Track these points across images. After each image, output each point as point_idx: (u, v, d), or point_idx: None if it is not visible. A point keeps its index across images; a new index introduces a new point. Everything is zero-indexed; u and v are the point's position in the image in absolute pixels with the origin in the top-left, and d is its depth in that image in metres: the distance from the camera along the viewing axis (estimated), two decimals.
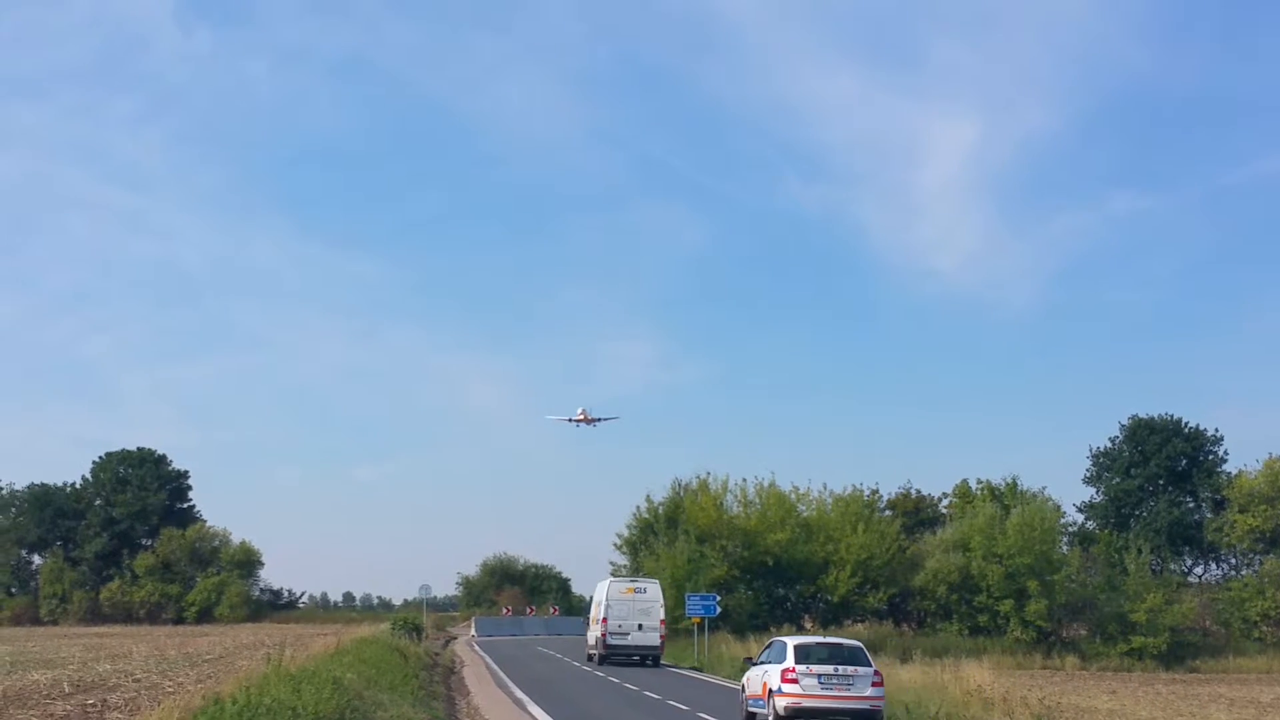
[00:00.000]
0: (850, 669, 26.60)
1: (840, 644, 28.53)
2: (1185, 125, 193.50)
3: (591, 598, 59.08)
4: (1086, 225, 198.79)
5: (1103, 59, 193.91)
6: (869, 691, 26.53)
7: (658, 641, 49.46)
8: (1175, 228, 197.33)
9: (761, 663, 28.88)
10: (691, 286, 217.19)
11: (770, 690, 26.90)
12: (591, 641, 52.91)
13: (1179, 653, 62.86)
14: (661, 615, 50.78)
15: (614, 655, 49.80)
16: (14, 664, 40.04)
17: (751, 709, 28.38)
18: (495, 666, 49.44)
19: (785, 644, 28.09)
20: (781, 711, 26.37)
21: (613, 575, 61.43)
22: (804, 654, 27.03)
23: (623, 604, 50.58)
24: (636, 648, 50.10)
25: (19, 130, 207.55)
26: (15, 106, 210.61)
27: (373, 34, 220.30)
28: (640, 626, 50.05)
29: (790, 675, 26.41)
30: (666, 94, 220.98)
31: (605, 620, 50.22)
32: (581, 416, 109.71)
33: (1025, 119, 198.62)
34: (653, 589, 51.98)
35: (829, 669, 26.53)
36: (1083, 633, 64.83)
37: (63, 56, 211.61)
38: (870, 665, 27.28)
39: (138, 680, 32.93)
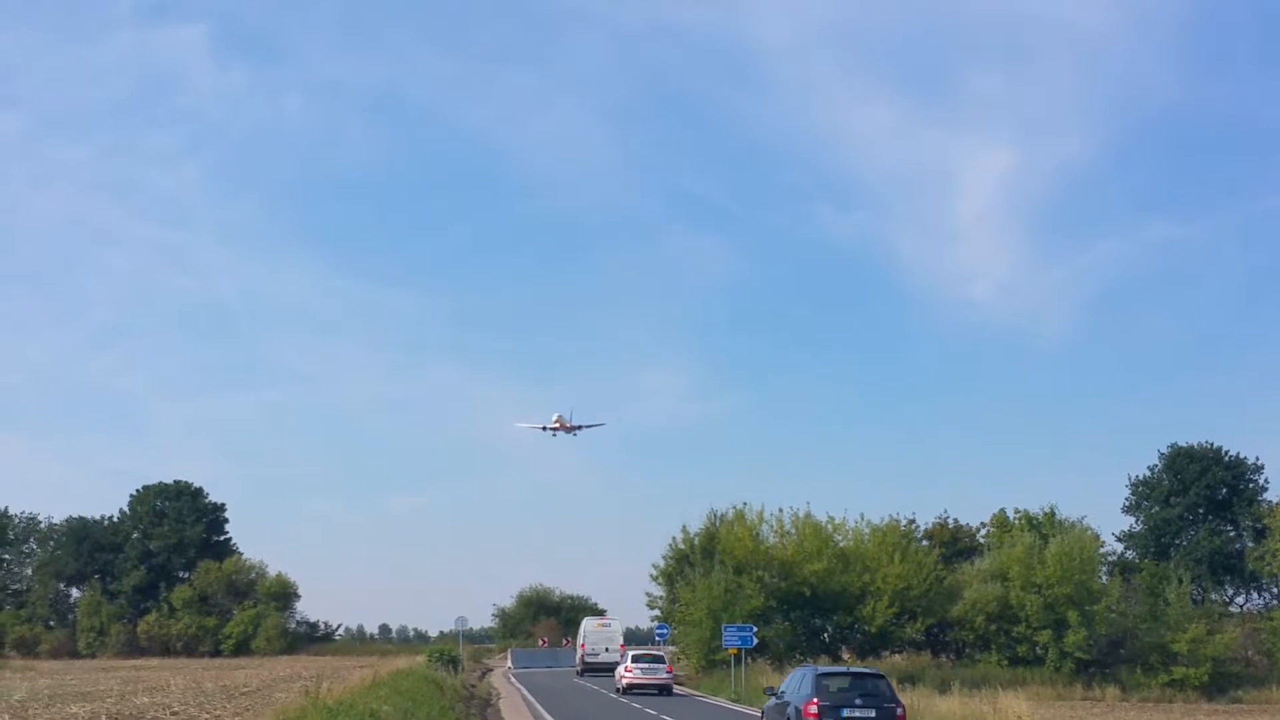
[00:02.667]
0: (872, 710, 25.72)
1: (864, 674, 28.08)
2: (1220, 152, 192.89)
3: (580, 629, 76.43)
4: (1122, 253, 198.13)
5: (1137, 86, 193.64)
6: None
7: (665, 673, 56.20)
8: (1211, 254, 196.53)
9: (783, 695, 28.19)
10: (726, 316, 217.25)
11: None
12: (576, 660, 72.78)
13: (1221, 684, 62.03)
14: (620, 643, 69.01)
15: (588, 670, 68.15)
16: (52, 697, 40.19)
17: None
18: (531, 698, 49.41)
19: (807, 675, 27.39)
20: None
21: (589, 615, 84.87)
22: (825, 686, 26.22)
23: (595, 634, 71.28)
24: (604, 665, 65.52)
25: (58, 168, 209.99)
26: (54, 145, 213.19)
27: (406, 68, 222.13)
28: (606, 649, 68.26)
29: (812, 711, 25.47)
30: (700, 124, 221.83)
31: (584, 646, 71.14)
32: (557, 424, 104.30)
33: (1060, 147, 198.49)
34: (615, 624, 73.45)
35: (853, 702, 25.72)
36: (1123, 663, 64.11)
37: (100, 95, 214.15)
38: (896, 701, 26.46)
39: (175, 714, 33.00)
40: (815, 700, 25.70)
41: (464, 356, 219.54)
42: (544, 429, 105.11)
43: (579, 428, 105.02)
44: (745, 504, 70.50)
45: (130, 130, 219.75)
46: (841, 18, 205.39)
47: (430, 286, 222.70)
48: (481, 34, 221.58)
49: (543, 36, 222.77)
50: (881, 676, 27.67)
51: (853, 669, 30.49)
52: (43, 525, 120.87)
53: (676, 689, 55.07)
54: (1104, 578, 68.28)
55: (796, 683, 27.35)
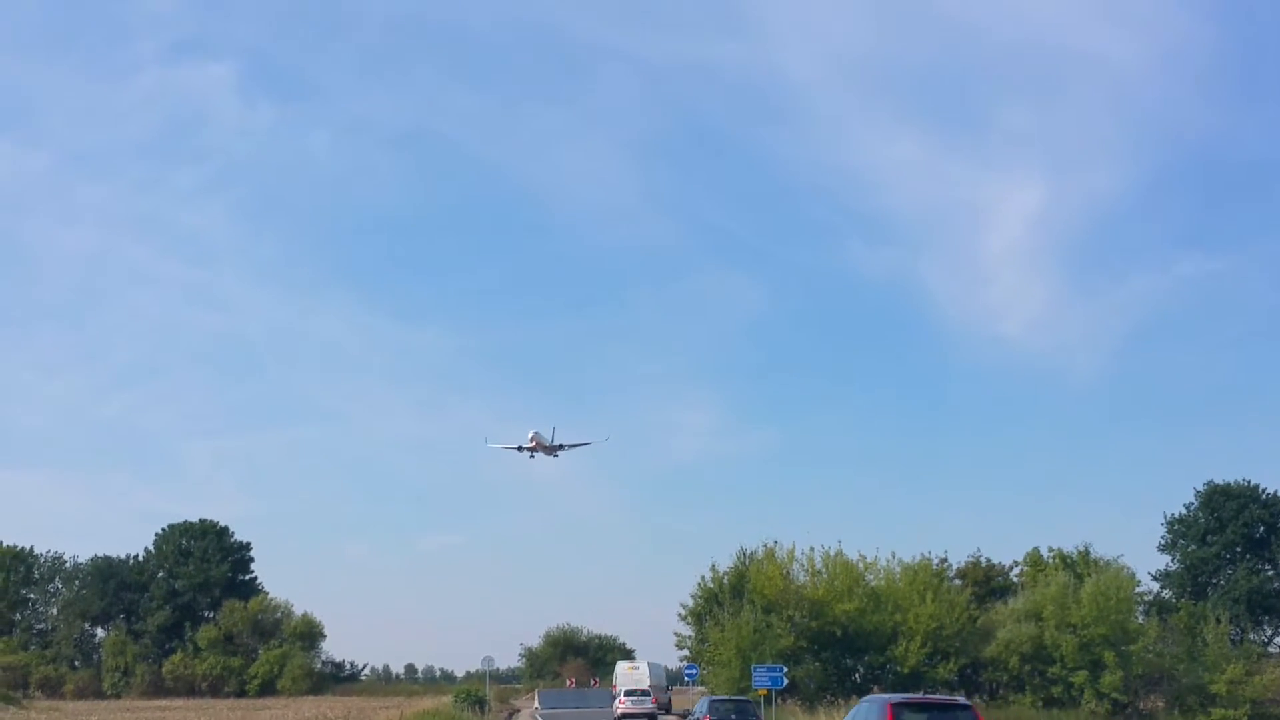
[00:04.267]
0: None
1: (949, 705, 24.40)
2: (1254, 185, 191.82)
3: (614, 673, 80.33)
4: (1155, 288, 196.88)
5: (1169, 119, 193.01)
6: None
7: (649, 704, 66.02)
8: (1245, 289, 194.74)
9: None
10: (754, 353, 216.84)
11: None
12: (614, 705, 69.42)
13: None
14: (648, 683, 72.84)
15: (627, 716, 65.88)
16: None
17: None
18: None
19: (875, 706, 23.88)
20: None
21: (621, 659, 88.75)
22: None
23: (626, 677, 74.91)
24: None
25: (85, 205, 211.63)
26: (81, 183, 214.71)
27: (433, 105, 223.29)
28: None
29: None
30: (728, 160, 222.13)
31: (616, 687, 74.41)
32: (534, 444, 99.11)
33: (1091, 181, 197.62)
34: (644, 666, 77.95)
35: None
36: (1160, 705, 62.94)
37: (127, 133, 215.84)
38: None
39: None
40: None
41: (490, 394, 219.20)
42: (519, 449, 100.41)
43: (560, 447, 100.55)
44: (775, 542, 69.87)
45: (157, 168, 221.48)
46: (870, 53, 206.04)
47: (457, 323, 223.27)
48: (510, 70, 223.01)
49: (571, 73, 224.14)
50: (968, 707, 23.66)
51: (934, 698, 26.81)
52: (68, 564, 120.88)
53: None
54: (1140, 617, 67.13)
55: (864, 716, 23.99)
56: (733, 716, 44.78)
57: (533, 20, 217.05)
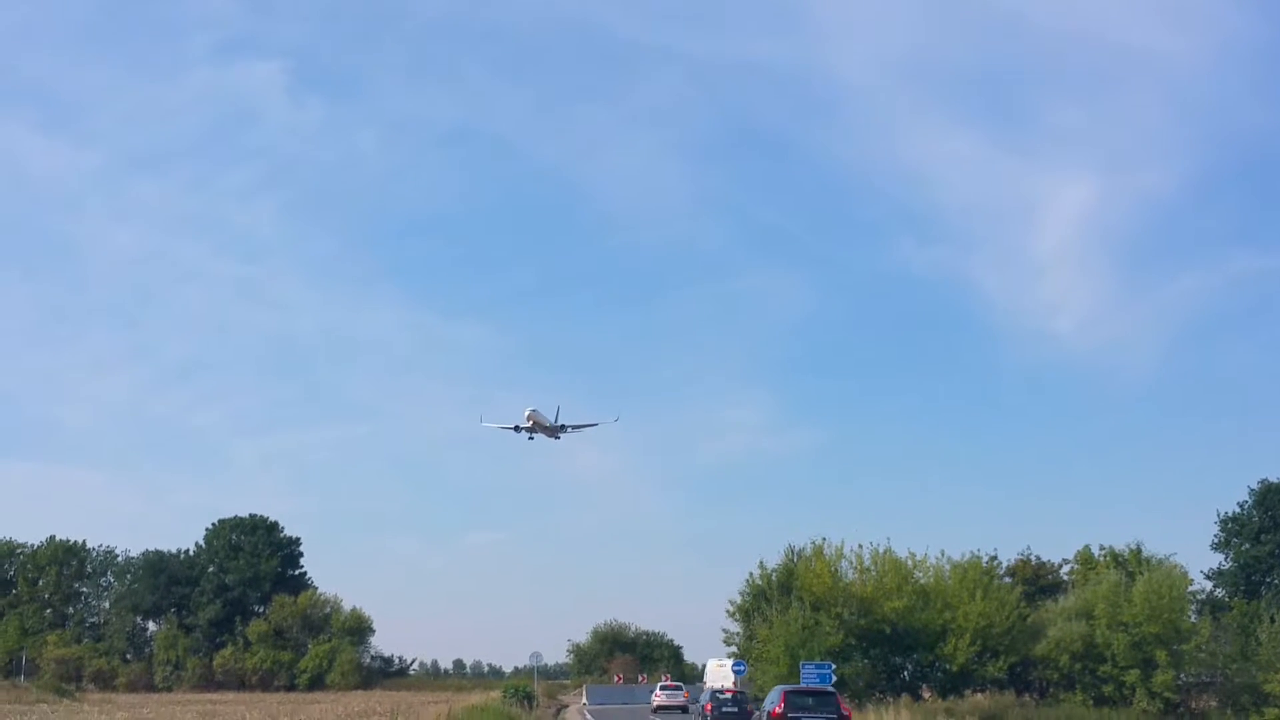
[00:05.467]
0: None
1: (822, 691, 28.62)
2: None
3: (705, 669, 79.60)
4: (1208, 285, 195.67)
5: (1221, 116, 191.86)
6: None
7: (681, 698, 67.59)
8: None
9: None
10: (803, 351, 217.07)
11: None
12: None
13: None
14: (733, 680, 68.27)
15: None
16: None
17: None
18: None
19: (779, 691, 27.22)
20: None
21: (711, 658, 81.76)
22: None
23: (715, 674, 75.25)
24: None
25: (137, 204, 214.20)
26: (133, 181, 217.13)
27: (480, 104, 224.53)
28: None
29: None
30: (778, 159, 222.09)
31: (706, 684, 72.30)
32: (531, 423, 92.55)
33: (1143, 178, 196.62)
34: (728, 665, 73.12)
35: None
36: (1213, 704, 62.34)
37: (177, 131, 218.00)
38: None
39: None
40: None
41: (537, 392, 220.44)
42: (516, 429, 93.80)
43: (563, 428, 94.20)
44: (824, 539, 69.55)
45: (207, 166, 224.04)
46: (920, 51, 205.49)
47: (504, 321, 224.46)
48: (558, 69, 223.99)
49: (619, 72, 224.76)
50: (832, 693, 29.27)
51: (812, 688, 34.48)
52: (120, 559, 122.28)
53: None
54: (1193, 616, 66.45)
55: (774, 699, 29.11)
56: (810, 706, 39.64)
57: (581, 19, 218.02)
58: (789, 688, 40.82)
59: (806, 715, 39.27)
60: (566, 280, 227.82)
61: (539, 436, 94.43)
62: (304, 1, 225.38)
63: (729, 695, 56.73)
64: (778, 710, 39.89)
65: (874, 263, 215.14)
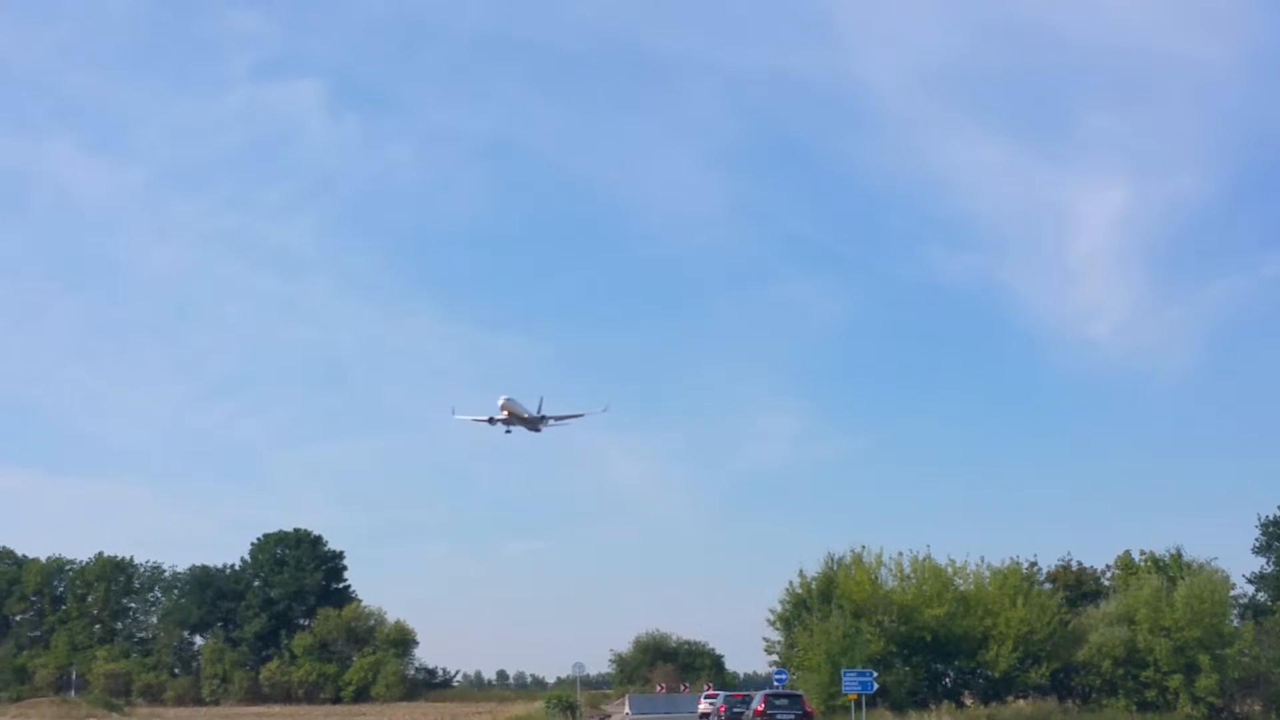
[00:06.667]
0: None
1: (791, 694, 34.34)
2: None
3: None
4: (1243, 289, 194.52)
5: (1254, 120, 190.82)
6: None
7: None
8: None
9: None
10: (837, 359, 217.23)
11: None
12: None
13: None
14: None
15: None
16: None
17: None
18: None
19: (760, 695, 31.75)
20: None
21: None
22: None
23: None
24: None
25: (178, 221, 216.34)
26: (174, 198, 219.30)
27: (516, 117, 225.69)
28: None
29: None
30: (811, 168, 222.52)
31: None
32: (505, 414, 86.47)
33: (1176, 183, 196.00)
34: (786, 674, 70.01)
35: None
36: (1258, 708, 62.15)
37: (217, 148, 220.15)
38: None
39: None
40: None
41: (573, 402, 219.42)
42: (491, 421, 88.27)
43: (544, 419, 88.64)
44: (863, 547, 69.73)
45: (247, 183, 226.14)
46: (951, 59, 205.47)
47: (541, 332, 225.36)
48: (592, 82, 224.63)
49: (653, 84, 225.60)
50: (799, 696, 35.92)
51: (784, 690, 40.99)
52: (167, 574, 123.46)
53: None
54: (1235, 620, 66.24)
55: (755, 702, 34.58)
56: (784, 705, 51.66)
57: (615, 32, 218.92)
58: (769, 691, 55.27)
59: (780, 713, 51.13)
60: (603, 290, 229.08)
61: (517, 429, 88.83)
62: (341, 20, 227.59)
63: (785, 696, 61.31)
64: (760, 709, 51.75)
65: (908, 270, 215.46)
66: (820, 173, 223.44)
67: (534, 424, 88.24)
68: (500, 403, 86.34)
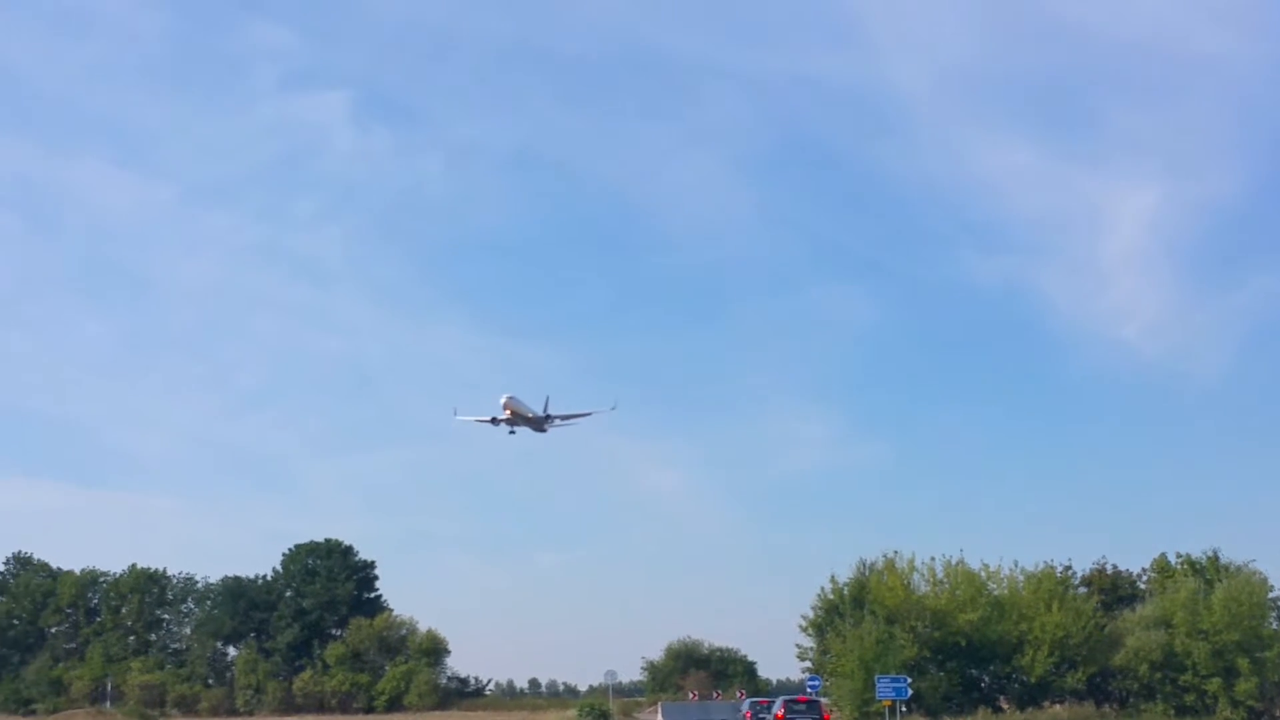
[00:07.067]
0: None
1: (811, 701, 35.44)
2: None
3: None
4: (1275, 289, 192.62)
5: None
6: None
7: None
8: None
9: None
10: (867, 364, 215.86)
11: None
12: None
13: None
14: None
15: None
16: None
17: None
18: None
19: (779, 701, 32.87)
20: None
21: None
22: None
23: None
24: None
25: (208, 234, 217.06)
26: (203, 212, 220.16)
27: (542, 127, 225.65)
28: None
29: None
30: (839, 173, 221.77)
31: None
32: (508, 413, 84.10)
33: (1209, 182, 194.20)
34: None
35: None
36: None
37: (246, 162, 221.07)
38: None
39: None
40: None
41: (605, 412, 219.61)
42: (494, 422, 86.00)
43: (550, 419, 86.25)
44: (895, 552, 69.38)
45: (275, 196, 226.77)
46: (978, 61, 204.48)
47: (568, 340, 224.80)
48: (617, 90, 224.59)
49: (678, 91, 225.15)
50: (817, 703, 38.22)
51: (805, 698, 43.21)
52: (200, 585, 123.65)
53: None
54: (1275, 623, 65.53)
55: (775, 708, 36.98)
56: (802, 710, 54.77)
57: (639, 40, 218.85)
58: (788, 698, 58.13)
59: (799, 718, 54.30)
60: (631, 299, 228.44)
61: (522, 430, 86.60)
62: (367, 32, 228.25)
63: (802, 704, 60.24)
64: (780, 715, 54.60)
65: (938, 274, 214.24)
66: (849, 178, 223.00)
67: (539, 424, 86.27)
68: (502, 401, 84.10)
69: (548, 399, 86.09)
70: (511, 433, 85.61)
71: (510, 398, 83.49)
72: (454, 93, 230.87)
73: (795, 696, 61.80)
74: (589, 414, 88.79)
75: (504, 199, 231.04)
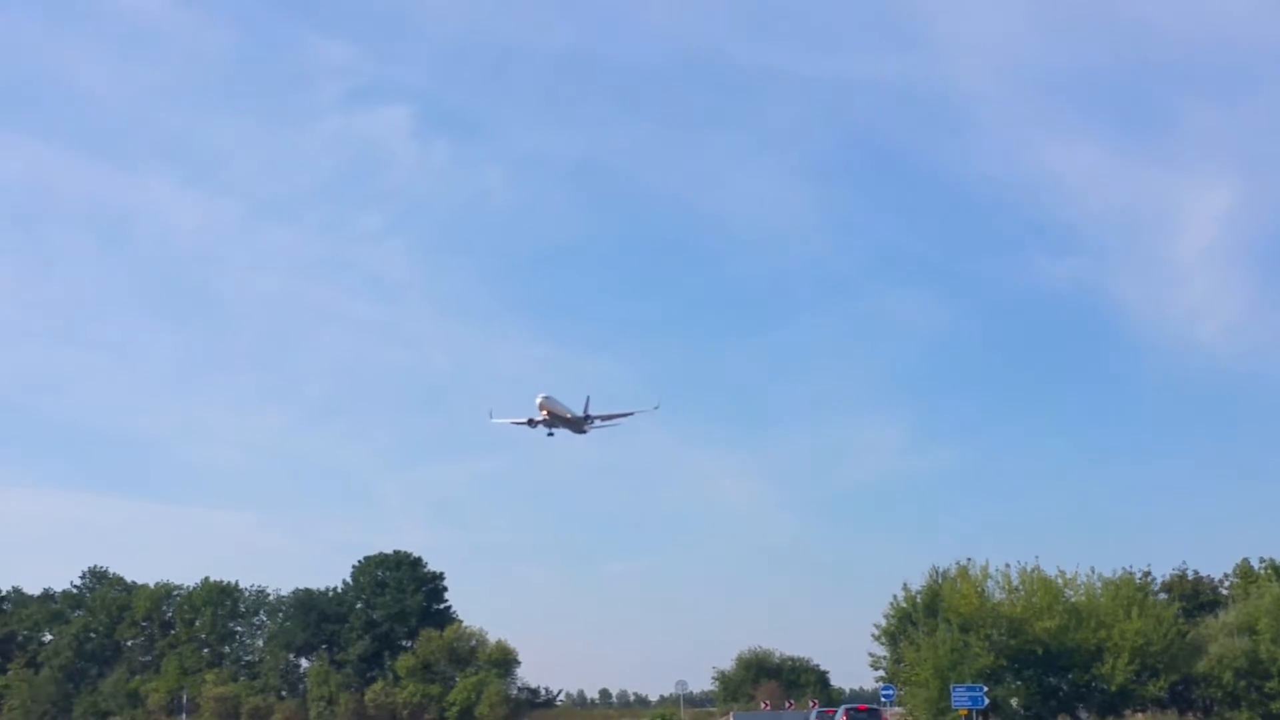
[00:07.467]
0: None
1: (872, 709, 35.17)
2: None
3: None
4: None
5: None
6: None
7: None
8: None
9: None
10: (937, 369, 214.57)
11: None
12: None
13: None
14: None
15: None
16: None
17: None
18: None
19: (843, 709, 32.89)
20: None
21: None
22: None
23: None
24: None
25: (274, 250, 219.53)
26: (269, 228, 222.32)
27: (603, 137, 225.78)
28: None
29: None
30: (903, 177, 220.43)
31: None
32: (545, 414, 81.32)
33: None
34: None
35: None
36: None
37: (310, 178, 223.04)
38: None
39: None
40: None
41: (671, 421, 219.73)
42: (530, 424, 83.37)
43: (589, 419, 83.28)
44: (969, 560, 68.19)
45: (340, 210, 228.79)
46: (1042, 59, 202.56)
47: (633, 350, 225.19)
48: (678, 99, 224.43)
49: (740, 97, 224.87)
50: (876, 710, 44.13)
51: (866, 705, 46.08)
52: (271, 598, 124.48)
53: None
54: None
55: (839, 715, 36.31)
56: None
57: (699, 48, 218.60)
58: (849, 705, 63.67)
59: None
60: (695, 307, 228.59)
61: (560, 431, 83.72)
62: (428, 46, 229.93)
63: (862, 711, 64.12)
64: None
65: (1006, 277, 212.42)
66: (914, 181, 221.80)
67: (578, 424, 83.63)
68: (539, 401, 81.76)
69: (588, 399, 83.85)
70: (550, 434, 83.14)
71: (546, 397, 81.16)
72: (515, 104, 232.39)
73: (856, 705, 65.72)
74: (630, 414, 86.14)
75: (566, 210, 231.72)
